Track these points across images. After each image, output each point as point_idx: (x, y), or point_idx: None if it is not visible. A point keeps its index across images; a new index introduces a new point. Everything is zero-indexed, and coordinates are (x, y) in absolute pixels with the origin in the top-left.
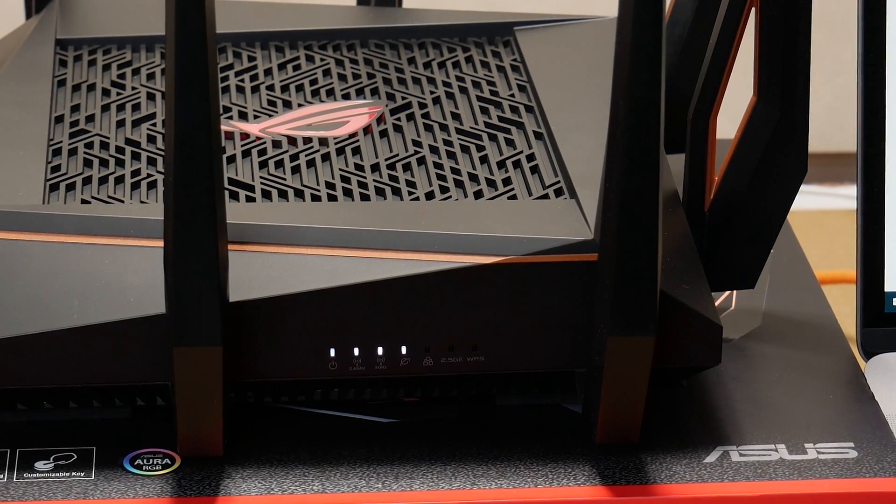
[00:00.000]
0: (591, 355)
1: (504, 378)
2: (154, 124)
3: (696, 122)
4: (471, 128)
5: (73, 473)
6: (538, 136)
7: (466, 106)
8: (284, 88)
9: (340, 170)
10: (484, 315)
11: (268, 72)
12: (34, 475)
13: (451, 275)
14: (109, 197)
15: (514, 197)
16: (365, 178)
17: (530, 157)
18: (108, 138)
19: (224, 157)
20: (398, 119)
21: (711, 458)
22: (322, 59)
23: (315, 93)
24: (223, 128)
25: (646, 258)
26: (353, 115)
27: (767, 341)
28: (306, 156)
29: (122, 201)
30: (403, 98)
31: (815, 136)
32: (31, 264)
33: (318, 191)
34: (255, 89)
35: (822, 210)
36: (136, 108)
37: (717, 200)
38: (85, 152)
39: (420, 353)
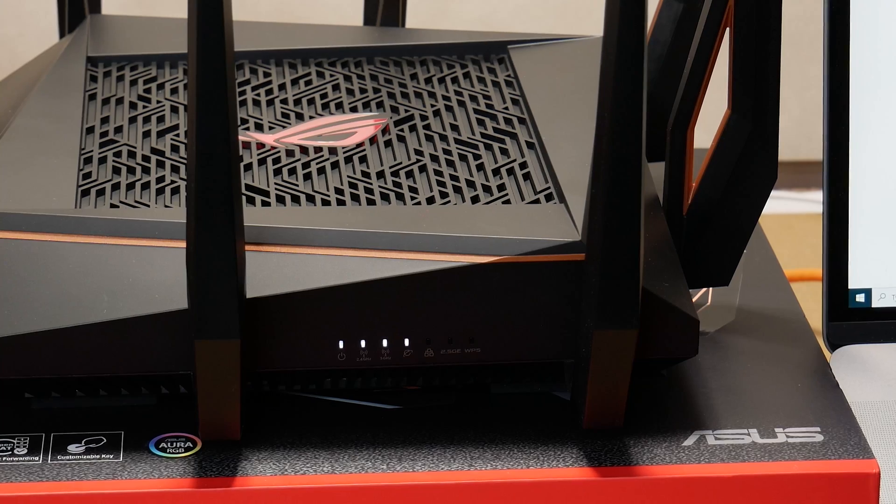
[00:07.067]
0: (578, 347)
1: (499, 368)
2: (177, 135)
3: (676, 133)
4: (468, 138)
5: (103, 456)
6: (530, 145)
7: (464, 118)
8: (297, 102)
9: (348, 177)
10: (480, 310)
11: (282, 86)
12: (67, 457)
13: (450, 273)
14: (136, 202)
15: (507, 202)
16: (371, 184)
17: (523, 165)
18: (135, 148)
19: (241, 164)
20: (401, 130)
21: (689, 441)
22: (331, 75)
23: (325, 106)
24: (241, 138)
25: (629, 258)
26: (360, 127)
27: (741, 334)
28: (317, 164)
29: (148, 206)
30: (406, 111)
31: (785, 145)
32: (64, 264)
33: (328, 196)
34: (269, 103)
35: (791, 214)
36: (160, 119)
37: (694, 205)
38: (114, 160)
39: (421, 346)
